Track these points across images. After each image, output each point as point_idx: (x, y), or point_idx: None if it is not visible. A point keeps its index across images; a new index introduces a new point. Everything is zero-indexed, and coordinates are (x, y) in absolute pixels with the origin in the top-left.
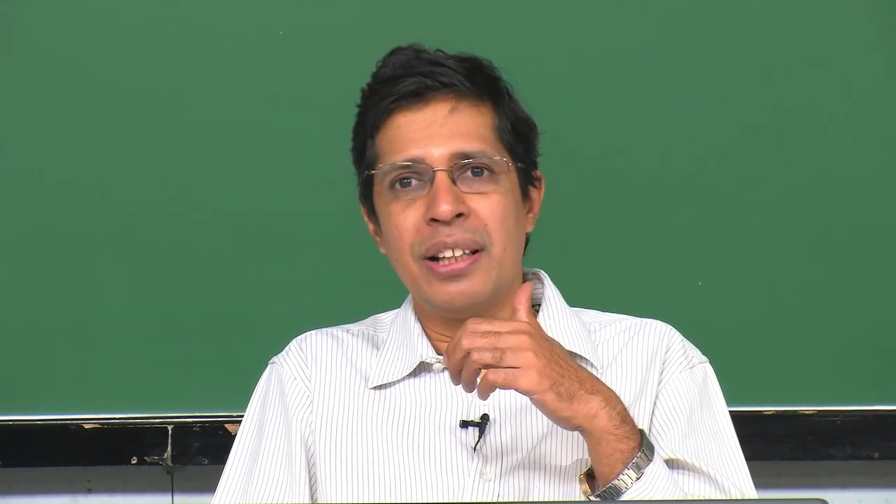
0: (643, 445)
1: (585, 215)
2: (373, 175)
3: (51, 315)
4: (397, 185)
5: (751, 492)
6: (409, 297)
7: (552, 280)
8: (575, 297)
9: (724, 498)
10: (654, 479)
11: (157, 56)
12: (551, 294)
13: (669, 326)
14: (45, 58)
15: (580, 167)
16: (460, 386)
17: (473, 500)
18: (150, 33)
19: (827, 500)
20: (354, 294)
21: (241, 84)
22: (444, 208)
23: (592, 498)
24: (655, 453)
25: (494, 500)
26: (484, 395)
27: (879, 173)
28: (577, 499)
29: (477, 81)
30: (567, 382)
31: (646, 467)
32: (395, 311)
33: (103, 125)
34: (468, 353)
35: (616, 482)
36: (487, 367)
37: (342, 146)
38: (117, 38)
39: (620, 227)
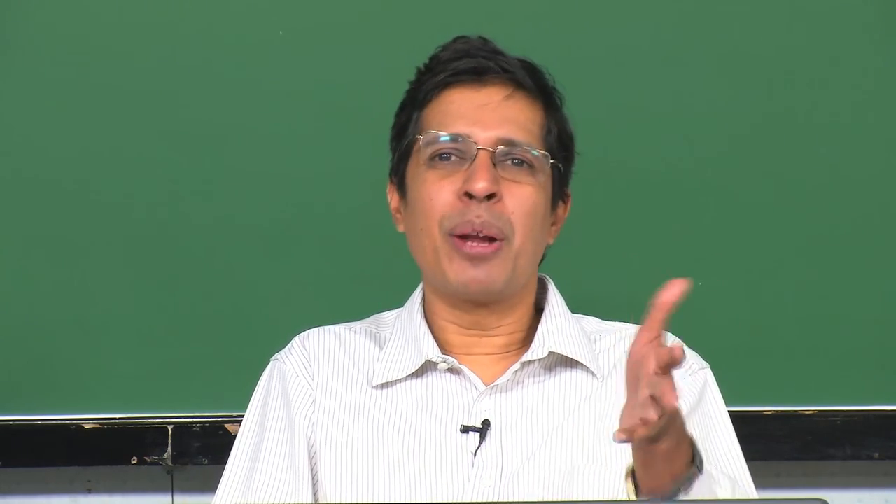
0: (695, 458)
1: (584, 216)
2: (414, 143)
3: (51, 315)
4: (437, 159)
5: (753, 495)
6: (415, 293)
7: (555, 284)
8: (574, 298)
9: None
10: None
11: (154, 57)
12: (555, 300)
13: (669, 334)
14: (43, 58)
15: (579, 168)
16: (462, 388)
17: (473, 500)
18: (149, 34)
19: (827, 500)
20: (355, 294)
21: (242, 85)
22: (481, 185)
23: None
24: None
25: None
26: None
27: (878, 174)
28: (576, 499)
29: (535, 78)
30: None
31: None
32: (398, 309)
33: (105, 126)
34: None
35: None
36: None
37: (342, 147)
38: (116, 39)
39: (620, 227)
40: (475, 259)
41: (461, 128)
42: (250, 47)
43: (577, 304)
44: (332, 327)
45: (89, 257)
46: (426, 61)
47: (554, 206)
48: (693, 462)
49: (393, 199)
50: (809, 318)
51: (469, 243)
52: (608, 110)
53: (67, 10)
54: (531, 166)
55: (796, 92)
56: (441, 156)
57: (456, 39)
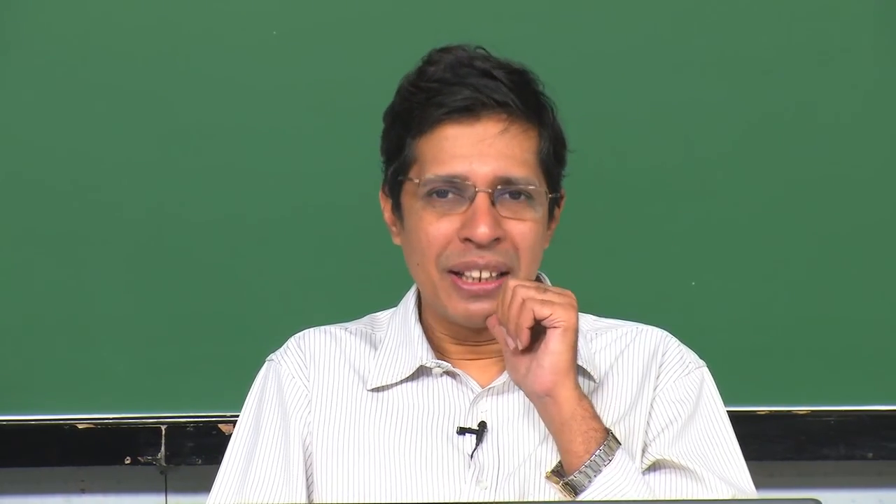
0: (610, 433)
1: (580, 216)
2: (409, 179)
3: (45, 315)
4: (434, 196)
5: (751, 492)
6: (409, 293)
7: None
8: None
9: (705, 493)
10: (622, 466)
11: (149, 57)
12: None
13: (666, 333)
14: (38, 59)
15: (574, 168)
16: (458, 391)
17: (471, 501)
18: (143, 34)
19: (821, 499)
20: (348, 294)
21: (237, 85)
22: (483, 231)
23: (561, 487)
24: (620, 447)
25: (491, 502)
26: (526, 327)
27: (873, 174)
28: (574, 499)
29: (527, 100)
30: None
31: (616, 452)
32: (392, 309)
33: (99, 126)
34: (523, 302)
35: (590, 463)
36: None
37: (336, 146)
38: (110, 39)
39: (614, 227)
40: (477, 296)
41: (458, 168)
42: (243, 47)
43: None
44: (327, 327)
45: (83, 257)
46: (413, 73)
47: (551, 215)
48: (607, 436)
49: (386, 211)
50: (804, 319)
51: (466, 280)
52: (606, 110)
53: (60, 11)
54: (529, 197)
55: (790, 93)
56: (438, 192)
57: (442, 49)
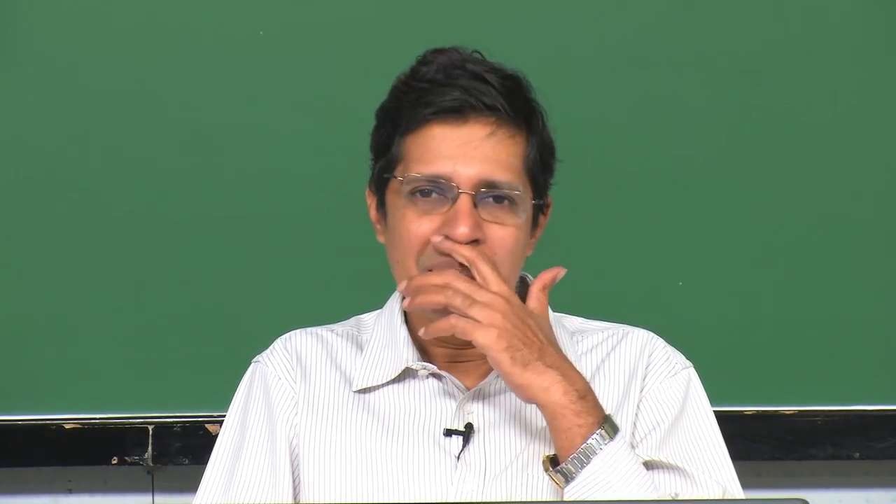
0: (605, 424)
1: (566, 216)
2: (394, 177)
3: (31, 315)
4: (417, 194)
5: (738, 492)
6: (394, 296)
7: None
8: (556, 298)
9: (698, 494)
10: (613, 457)
11: (138, 56)
12: None
13: (652, 334)
14: (29, 57)
15: (560, 169)
16: (445, 392)
17: (459, 500)
18: (135, 33)
19: (808, 499)
20: (336, 295)
21: (226, 85)
22: (463, 230)
23: (553, 475)
24: (619, 434)
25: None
26: (429, 335)
27: (859, 174)
28: (561, 500)
29: (517, 106)
30: (526, 351)
31: (605, 445)
32: (378, 311)
33: (86, 125)
34: (444, 288)
35: (573, 459)
36: (453, 309)
37: (324, 147)
38: (94, 38)
39: (601, 227)
40: None
41: (442, 168)
42: (232, 47)
43: (559, 302)
44: (313, 329)
45: (70, 257)
46: (407, 73)
47: (535, 223)
48: (602, 425)
49: (372, 208)
50: (790, 319)
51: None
52: (594, 111)
53: (52, 10)
54: (513, 202)
55: (778, 93)
56: (422, 191)
57: (436, 50)
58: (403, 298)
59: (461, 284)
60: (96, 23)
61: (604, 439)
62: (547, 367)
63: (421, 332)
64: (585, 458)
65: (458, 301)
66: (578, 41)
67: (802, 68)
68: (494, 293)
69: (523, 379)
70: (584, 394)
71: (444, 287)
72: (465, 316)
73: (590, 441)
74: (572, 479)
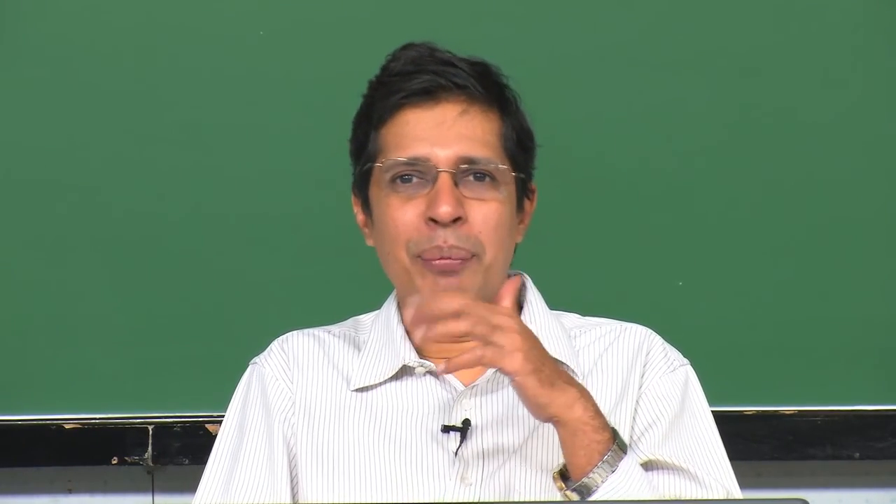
0: (616, 440)
1: (565, 216)
2: (373, 167)
3: (31, 315)
4: (398, 181)
5: (736, 492)
6: (392, 296)
7: (534, 282)
8: (555, 298)
9: (705, 495)
10: (628, 473)
11: (138, 56)
12: (533, 297)
13: (650, 331)
14: (29, 57)
15: (559, 168)
16: (442, 389)
17: (456, 500)
18: (135, 34)
19: (807, 499)
20: (335, 295)
21: (222, 85)
22: (445, 209)
23: (569, 493)
24: (629, 449)
25: (476, 501)
26: (454, 368)
27: (858, 174)
28: (559, 499)
29: (488, 86)
30: (547, 370)
31: (620, 461)
32: (375, 312)
33: (85, 125)
34: (458, 311)
35: (592, 475)
36: (475, 339)
37: (322, 147)
38: (91, 39)
39: (600, 227)
40: (446, 272)
41: (419, 150)
42: (232, 47)
43: (557, 303)
44: (310, 330)
45: (70, 257)
46: (377, 73)
47: (520, 206)
48: (614, 441)
49: (358, 214)
50: (790, 319)
51: (437, 261)
52: (592, 110)
53: (50, 10)
54: (493, 179)
55: (777, 92)
56: (402, 178)
57: (405, 47)
58: (401, 300)
59: (477, 308)
60: (96, 23)
61: (618, 454)
62: (567, 385)
63: (418, 338)
64: (606, 473)
65: (481, 330)
66: (578, 41)
67: (802, 68)
68: (502, 313)
69: (549, 398)
70: (597, 411)
71: (460, 311)
72: (488, 343)
73: (608, 456)
74: (590, 494)
